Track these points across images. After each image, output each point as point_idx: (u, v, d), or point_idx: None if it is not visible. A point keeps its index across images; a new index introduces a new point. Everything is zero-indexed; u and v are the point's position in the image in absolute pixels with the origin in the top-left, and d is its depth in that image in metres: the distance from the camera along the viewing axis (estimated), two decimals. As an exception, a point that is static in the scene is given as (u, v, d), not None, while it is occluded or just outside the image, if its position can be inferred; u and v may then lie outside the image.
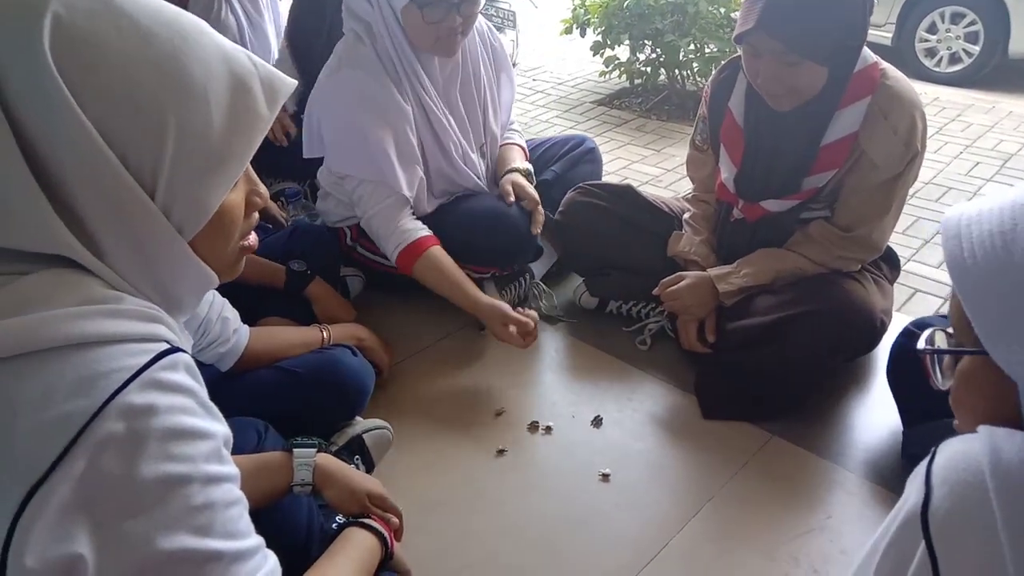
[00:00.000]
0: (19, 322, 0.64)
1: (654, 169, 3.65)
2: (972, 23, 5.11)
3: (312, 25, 2.64)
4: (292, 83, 0.85)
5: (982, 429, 0.64)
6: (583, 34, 4.48)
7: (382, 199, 2.00)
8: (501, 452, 1.78)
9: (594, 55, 4.46)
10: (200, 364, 1.54)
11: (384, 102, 1.97)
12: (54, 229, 0.68)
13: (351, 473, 1.34)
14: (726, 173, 1.96)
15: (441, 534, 1.57)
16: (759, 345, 1.86)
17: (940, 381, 0.79)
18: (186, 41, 0.75)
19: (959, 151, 3.90)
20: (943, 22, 5.22)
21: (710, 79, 2.07)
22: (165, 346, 0.71)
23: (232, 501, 0.73)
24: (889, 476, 1.70)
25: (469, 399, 1.94)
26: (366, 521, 1.25)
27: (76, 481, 0.62)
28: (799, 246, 1.90)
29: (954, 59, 5.23)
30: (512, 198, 2.16)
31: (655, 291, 2.03)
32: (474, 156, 2.21)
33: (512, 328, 1.91)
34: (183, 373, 0.71)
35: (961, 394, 0.75)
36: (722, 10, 4.10)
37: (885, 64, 1.80)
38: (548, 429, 1.84)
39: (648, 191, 2.32)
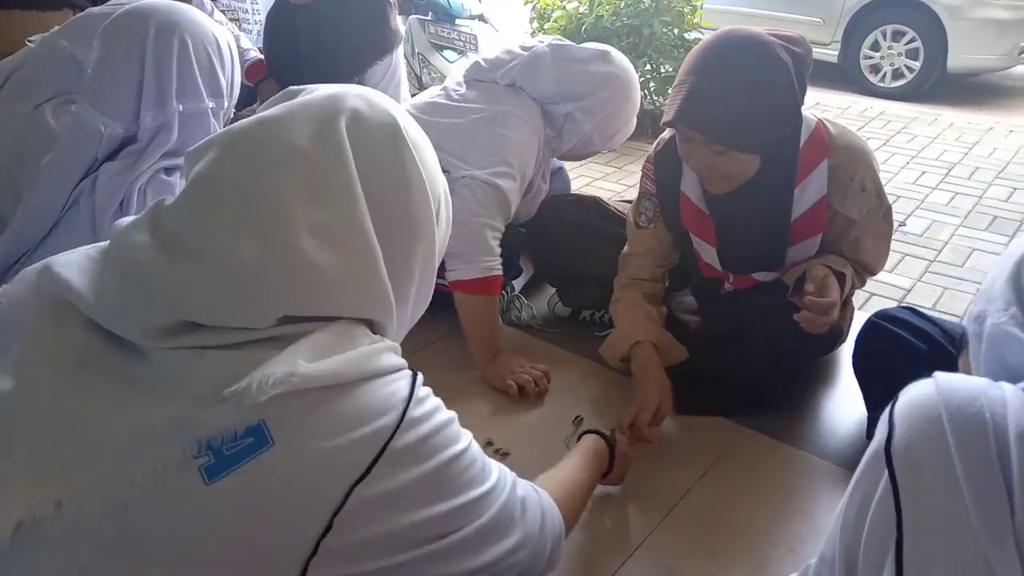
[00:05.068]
0: (351, 357, 0.78)
1: (616, 185, 3.76)
2: (912, 40, 5.36)
3: (287, 60, 2.73)
4: None
5: (937, 375, 0.74)
6: (542, 57, 4.57)
7: (497, 214, 2.04)
8: (489, 444, 1.84)
9: (553, 77, 4.56)
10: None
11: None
12: (390, 303, 0.86)
13: None
14: (707, 257, 1.96)
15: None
16: (728, 345, 1.94)
17: None
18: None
19: (905, 162, 4.08)
20: (885, 40, 5.45)
21: (649, 155, 2.01)
22: (409, 370, 0.86)
23: (476, 454, 0.90)
24: (855, 460, 1.72)
25: (456, 399, 1.97)
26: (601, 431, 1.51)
27: (385, 479, 0.77)
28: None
29: (897, 74, 5.46)
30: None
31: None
32: None
33: (511, 381, 1.98)
34: (425, 387, 0.86)
35: None
36: (675, 31, 4.25)
37: (826, 121, 1.80)
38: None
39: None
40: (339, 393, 0.76)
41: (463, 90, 2.22)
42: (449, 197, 1.00)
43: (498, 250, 2.05)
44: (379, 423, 0.77)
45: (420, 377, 0.85)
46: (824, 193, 1.77)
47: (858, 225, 1.81)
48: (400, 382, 0.81)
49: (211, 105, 1.66)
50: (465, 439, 0.88)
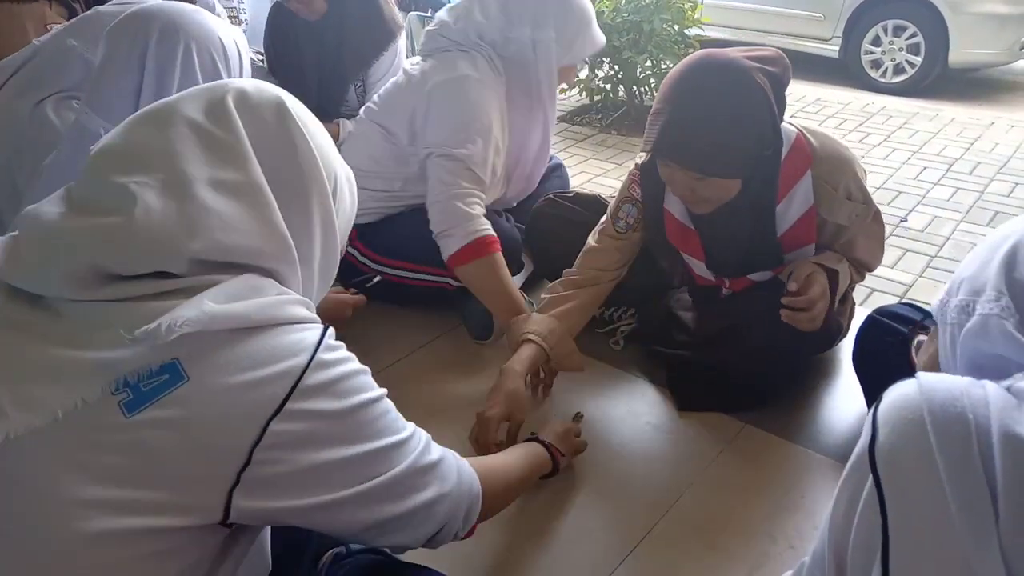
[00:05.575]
0: (260, 303, 0.83)
1: (616, 182, 3.74)
2: (913, 35, 5.34)
3: (292, 65, 2.76)
4: None
5: (919, 375, 0.74)
6: (543, 53, 4.57)
7: (465, 183, 2.05)
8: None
9: (554, 73, 4.56)
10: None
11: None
12: (291, 253, 0.91)
13: None
14: (699, 270, 1.97)
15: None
16: (725, 345, 1.93)
17: None
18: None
19: (907, 157, 4.06)
20: (886, 35, 5.44)
21: (638, 163, 1.98)
22: (320, 323, 0.91)
23: (390, 407, 0.95)
24: (856, 456, 1.79)
25: (456, 399, 1.99)
26: (545, 440, 1.58)
27: (299, 416, 0.82)
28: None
29: (898, 70, 5.45)
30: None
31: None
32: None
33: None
34: (337, 341, 0.91)
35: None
36: (676, 27, 4.24)
37: (806, 131, 1.78)
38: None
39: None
40: (249, 335, 0.81)
41: (420, 65, 2.22)
42: (353, 181, 1.07)
43: (477, 212, 2.04)
44: (290, 362, 0.82)
45: (332, 331, 0.90)
46: (811, 204, 1.76)
47: (849, 229, 1.81)
48: (310, 331, 0.87)
49: None
50: (379, 391, 0.93)
